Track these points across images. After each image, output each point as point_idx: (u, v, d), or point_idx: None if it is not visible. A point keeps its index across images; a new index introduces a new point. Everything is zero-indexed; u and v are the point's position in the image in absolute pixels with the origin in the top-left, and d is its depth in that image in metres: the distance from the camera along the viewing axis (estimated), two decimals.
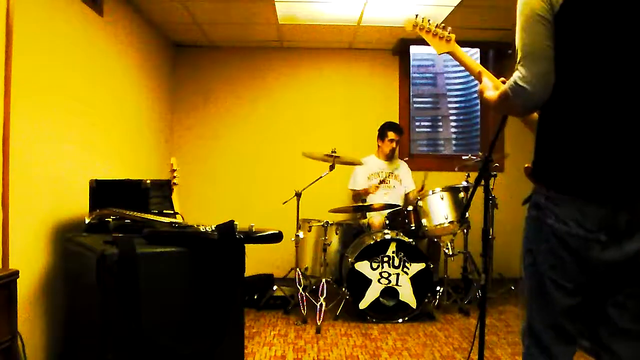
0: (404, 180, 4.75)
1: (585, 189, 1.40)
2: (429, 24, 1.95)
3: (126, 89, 3.97)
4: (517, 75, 1.41)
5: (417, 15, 1.97)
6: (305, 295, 3.94)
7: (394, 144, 4.64)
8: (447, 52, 1.93)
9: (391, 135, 4.64)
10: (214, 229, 2.32)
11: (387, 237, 3.90)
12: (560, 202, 1.43)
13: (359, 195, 4.60)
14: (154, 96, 4.64)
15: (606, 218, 1.38)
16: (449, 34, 1.93)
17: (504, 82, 1.80)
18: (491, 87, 1.69)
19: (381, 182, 4.69)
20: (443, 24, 1.94)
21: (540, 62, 1.40)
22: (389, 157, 4.73)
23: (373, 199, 4.54)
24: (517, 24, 1.45)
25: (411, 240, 3.94)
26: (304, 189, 4.12)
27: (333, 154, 4.05)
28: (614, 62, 1.38)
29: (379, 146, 4.75)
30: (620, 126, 1.38)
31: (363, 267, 3.85)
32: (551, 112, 1.46)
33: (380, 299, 3.87)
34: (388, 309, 3.87)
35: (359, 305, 3.84)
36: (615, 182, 1.38)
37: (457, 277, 4.60)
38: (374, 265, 3.86)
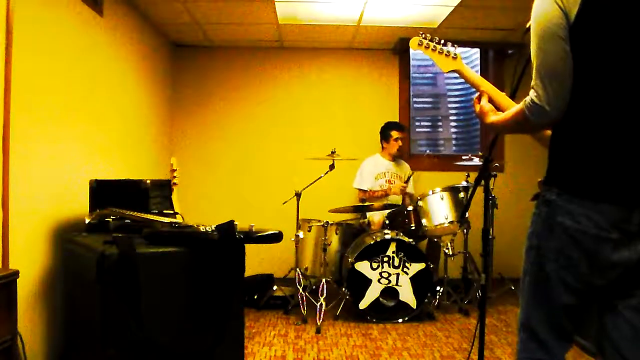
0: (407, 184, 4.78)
1: (600, 193, 1.39)
2: (435, 43, 1.96)
3: (126, 89, 3.96)
4: (534, 94, 1.42)
5: (421, 34, 1.98)
6: (305, 295, 3.95)
7: (399, 142, 4.64)
8: (454, 70, 1.94)
9: (395, 134, 4.63)
10: (214, 229, 2.32)
11: (387, 237, 3.90)
12: (572, 199, 1.43)
13: (366, 198, 4.59)
14: (154, 96, 4.64)
15: (620, 217, 1.37)
16: (454, 51, 1.93)
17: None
18: (490, 111, 1.69)
19: (388, 182, 4.68)
20: (449, 42, 1.94)
21: (557, 81, 1.41)
22: (395, 157, 4.73)
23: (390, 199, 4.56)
24: (531, 40, 1.46)
25: (411, 240, 3.94)
26: (304, 189, 4.12)
27: (333, 154, 4.06)
28: (628, 69, 1.38)
29: (384, 147, 4.73)
30: (635, 130, 1.38)
31: (363, 267, 3.85)
32: (566, 120, 1.45)
33: (380, 299, 3.87)
34: (388, 309, 3.87)
35: (359, 305, 3.84)
36: (631, 184, 1.38)
37: (457, 277, 4.59)
38: (374, 265, 3.86)
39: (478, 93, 1.78)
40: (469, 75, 1.91)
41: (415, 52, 5.70)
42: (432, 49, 1.96)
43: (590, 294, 1.46)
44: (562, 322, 1.52)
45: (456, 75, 1.97)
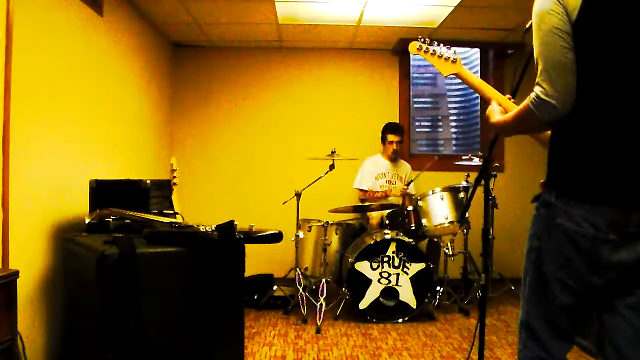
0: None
1: (599, 195, 1.39)
2: (434, 47, 1.95)
3: (126, 89, 3.96)
4: (540, 90, 1.41)
5: (420, 38, 1.98)
6: (305, 295, 3.95)
7: (394, 145, 4.62)
8: (454, 74, 1.93)
9: (390, 137, 4.62)
10: (214, 229, 2.32)
11: (387, 237, 3.90)
12: (571, 201, 1.43)
13: (366, 199, 4.59)
14: (153, 96, 4.64)
15: (619, 218, 1.37)
16: (454, 55, 1.93)
17: (510, 99, 1.80)
18: (498, 112, 1.69)
19: (388, 182, 4.68)
20: (449, 45, 1.94)
21: (563, 75, 1.40)
22: (393, 159, 4.73)
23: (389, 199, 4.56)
24: (534, 37, 1.45)
25: (411, 240, 3.94)
26: (304, 189, 4.12)
27: (333, 154, 4.06)
28: (627, 71, 1.38)
29: (383, 148, 4.74)
30: (633, 132, 1.38)
31: (363, 267, 3.85)
32: (565, 123, 1.45)
33: (380, 299, 3.86)
34: (388, 309, 3.86)
35: (359, 305, 3.84)
36: (630, 186, 1.38)
37: (457, 277, 4.60)
38: (374, 265, 3.86)
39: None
40: (469, 78, 1.91)
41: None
42: (431, 53, 1.96)
43: (589, 295, 1.46)
44: (562, 322, 1.52)
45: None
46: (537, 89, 1.42)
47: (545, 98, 1.40)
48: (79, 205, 3.02)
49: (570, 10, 1.39)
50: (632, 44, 1.37)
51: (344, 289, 3.91)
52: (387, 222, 4.21)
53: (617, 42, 1.38)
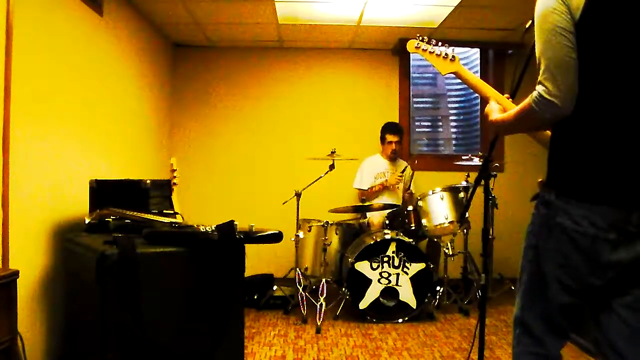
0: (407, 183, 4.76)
1: (599, 195, 1.39)
2: (432, 45, 1.95)
3: (126, 89, 3.96)
4: (542, 89, 1.41)
5: (418, 36, 1.97)
6: (305, 295, 3.95)
7: (393, 146, 4.63)
8: (452, 73, 1.92)
9: (389, 137, 4.63)
10: (214, 229, 2.32)
11: (387, 237, 3.90)
12: (571, 200, 1.43)
13: (366, 197, 4.59)
14: (153, 96, 4.64)
15: (619, 218, 1.37)
16: (452, 53, 1.92)
17: (508, 98, 1.80)
18: (497, 110, 1.69)
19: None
20: (447, 43, 1.93)
21: (566, 75, 1.40)
22: (392, 159, 4.73)
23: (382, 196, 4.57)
24: (537, 36, 1.45)
25: (411, 240, 3.94)
26: (304, 189, 4.12)
27: (333, 154, 4.06)
28: (628, 71, 1.38)
29: (382, 148, 4.75)
30: (633, 132, 1.38)
31: (363, 267, 3.85)
32: (565, 122, 1.45)
33: (380, 299, 3.86)
34: (388, 309, 3.86)
35: (359, 305, 3.84)
36: (630, 186, 1.38)
37: (457, 277, 4.60)
38: (374, 265, 3.86)
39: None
40: (468, 77, 1.90)
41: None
42: (429, 52, 1.95)
43: (587, 294, 1.47)
44: (558, 319, 1.53)
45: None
46: (539, 88, 1.42)
47: (548, 97, 1.40)
48: (79, 205, 3.02)
49: (573, 9, 1.39)
50: (635, 45, 1.37)
51: (344, 289, 3.91)
52: (387, 222, 4.21)
53: (620, 42, 1.38)
